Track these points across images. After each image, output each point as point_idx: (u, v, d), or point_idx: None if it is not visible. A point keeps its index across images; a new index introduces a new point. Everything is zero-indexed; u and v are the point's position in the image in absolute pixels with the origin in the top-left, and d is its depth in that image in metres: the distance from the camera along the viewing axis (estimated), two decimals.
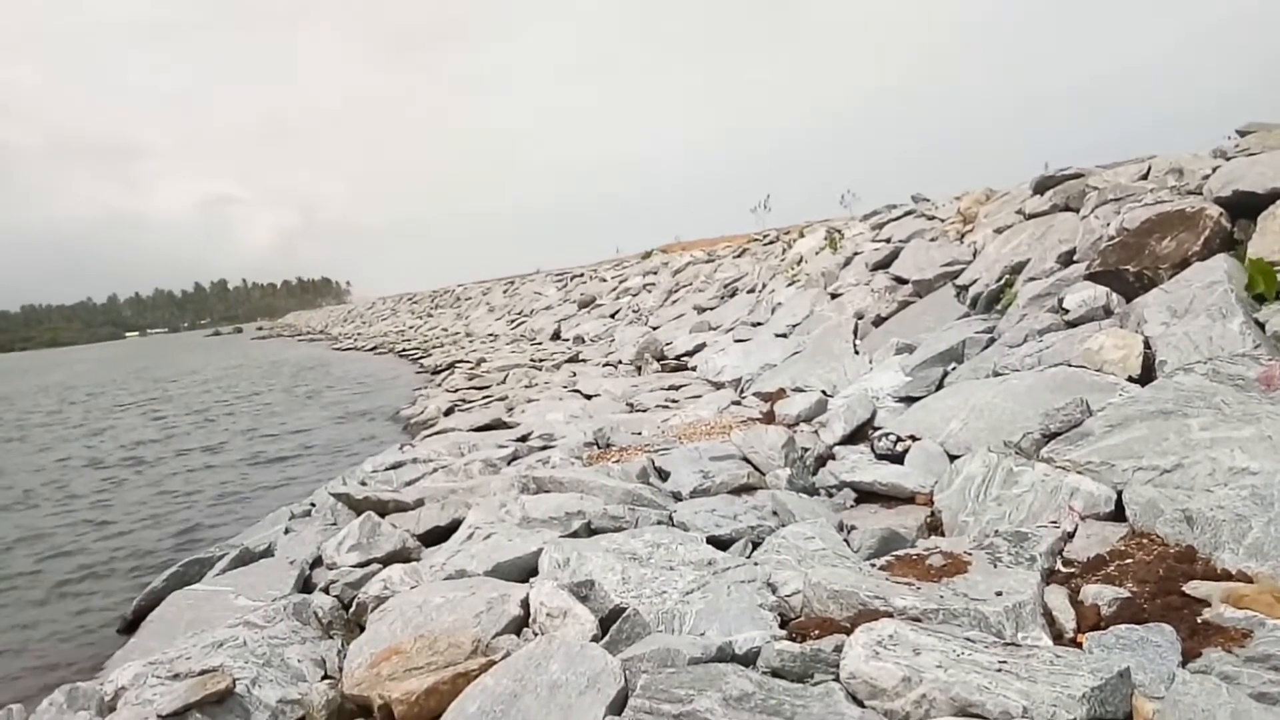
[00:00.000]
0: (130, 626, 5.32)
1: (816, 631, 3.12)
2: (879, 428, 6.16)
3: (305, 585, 4.88)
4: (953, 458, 5.06)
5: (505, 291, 38.15)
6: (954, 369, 6.74)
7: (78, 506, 9.87)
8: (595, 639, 3.24)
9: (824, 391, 7.62)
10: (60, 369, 52.94)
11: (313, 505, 6.99)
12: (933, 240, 10.89)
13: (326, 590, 4.56)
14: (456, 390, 14.54)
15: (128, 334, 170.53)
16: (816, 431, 6.48)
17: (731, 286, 17.25)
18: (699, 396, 9.59)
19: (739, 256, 20.88)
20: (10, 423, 21.36)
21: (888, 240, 12.26)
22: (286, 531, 6.17)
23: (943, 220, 11.69)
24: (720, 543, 4.38)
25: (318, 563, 5.14)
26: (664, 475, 5.76)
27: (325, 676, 3.60)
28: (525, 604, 3.68)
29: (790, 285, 13.82)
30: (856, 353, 8.91)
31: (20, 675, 5.03)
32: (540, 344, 21.37)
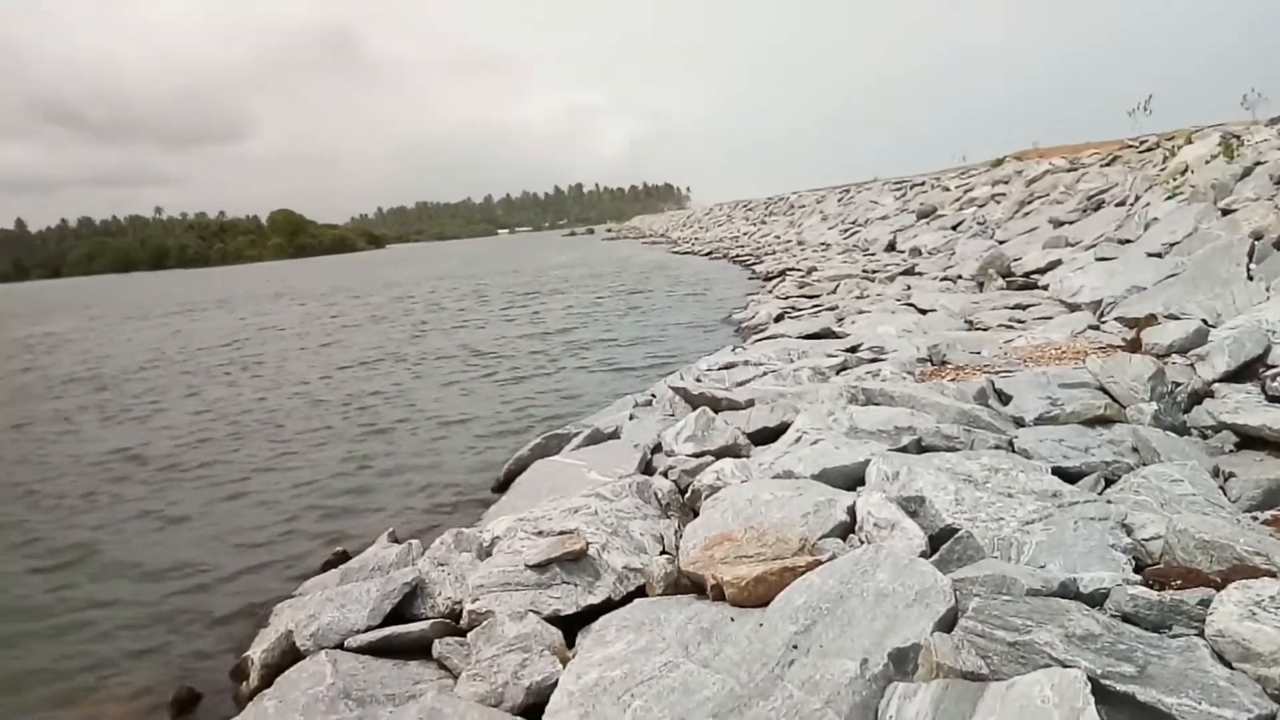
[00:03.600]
0: (502, 486, 6.15)
1: (1178, 581, 2.85)
2: (1274, 365, 5.32)
3: (646, 468, 5.30)
4: None
5: (840, 200, 37.20)
6: None
7: (468, 384, 11.39)
8: (924, 555, 3.22)
9: (1204, 321, 6.68)
10: (452, 259, 60.52)
11: (654, 396, 7.50)
12: None
13: (665, 474, 4.93)
14: (787, 297, 14.61)
15: (499, 231, 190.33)
16: (1192, 365, 5.73)
17: (1096, 199, 15.43)
18: (1049, 318, 8.83)
19: (1107, 165, 18.56)
20: (422, 306, 24.93)
21: None
22: (631, 418, 6.70)
23: None
24: (1067, 475, 4.08)
25: (658, 449, 5.54)
26: (1005, 399, 5.44)
27: (663, 552, 3.93)
28: (851, 511, 3.72)
29: (1170, 198, 12.09)
30: (1250, 278, 7.66)
31: (419, 518, 6.02)
32: (873, 254, 20.73)
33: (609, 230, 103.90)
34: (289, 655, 3.67)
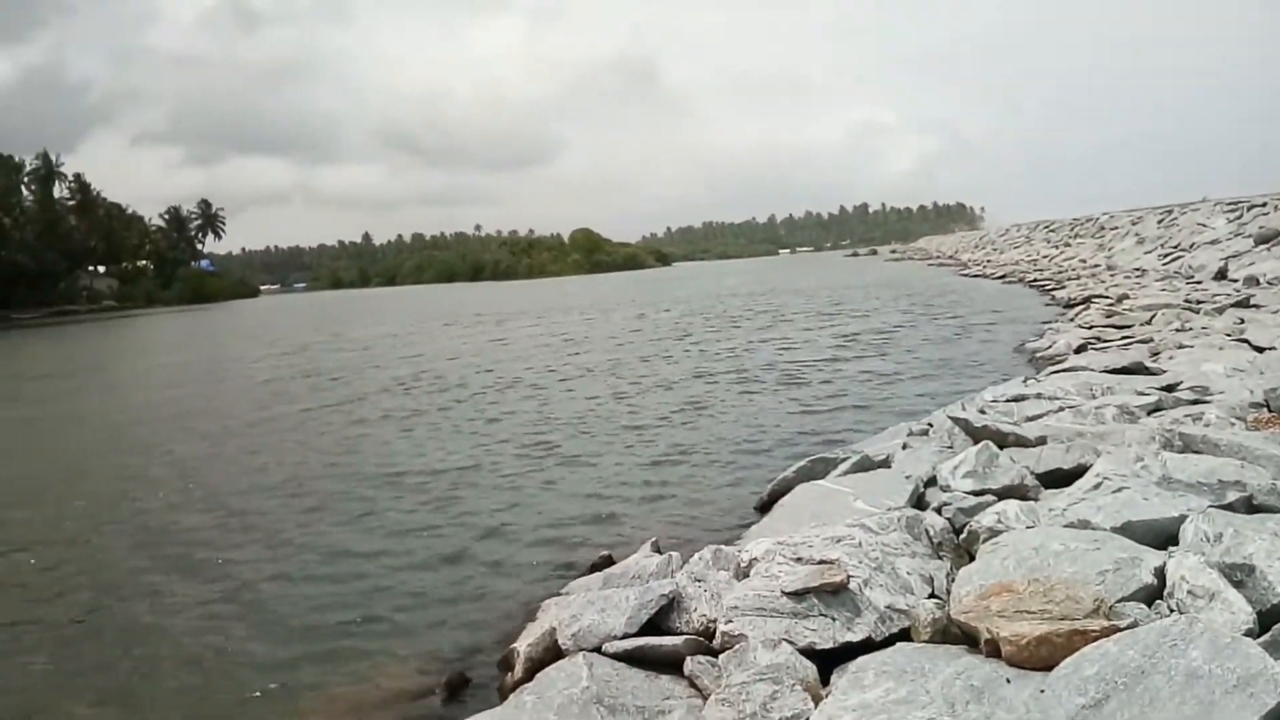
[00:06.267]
0: (764, 507, 6.06)
1: None
2: None
3: (918, 502, 4.98)
4: None
5: (1160, 222, 33.33)
6: None
7: (739, 399, 11.46)
8: (1249, 634, 2.73)
9: None
10: (732, 276, 61.69)
11: (930, 425, 7.08)
12: None
13: (939, 511, 4.60)
14: (1091, 327, 13.34)
15: (780, 251, 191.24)
16: None
17: None
18: None
19: None
20: (702, 321, 25.62)
21: None
22: (904, 447, 6.36)
23: None
24: None
25: (931, 482, 5.19)
26: None
27: (932, 595, 3.64)
28: (1160, 574, 3.24)
29: None
30: None
31: (681, 530, 6.07)
32: (1199, 283, 18.33)
33: (893, 251, 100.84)
34: (551, 652, 3.82)
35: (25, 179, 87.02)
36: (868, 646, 3.30)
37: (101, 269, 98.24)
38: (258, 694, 4.18)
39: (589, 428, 9.98)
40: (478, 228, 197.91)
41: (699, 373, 13.84)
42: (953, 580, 3.69)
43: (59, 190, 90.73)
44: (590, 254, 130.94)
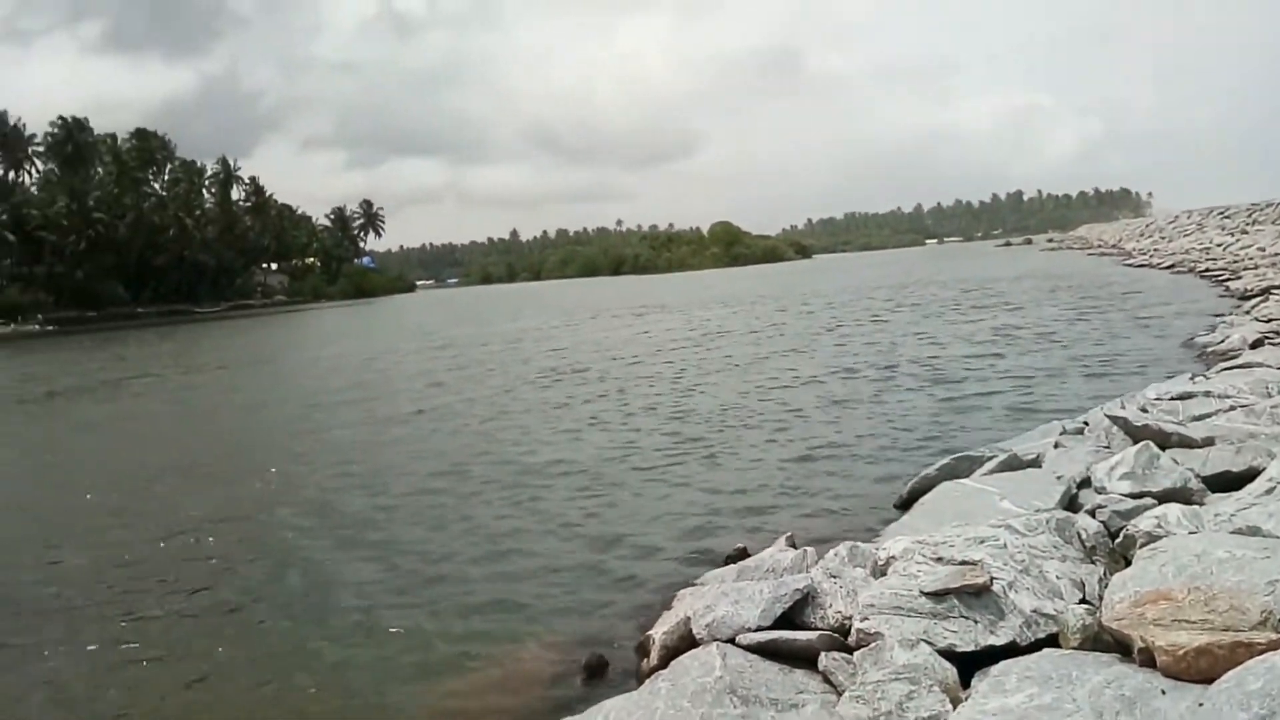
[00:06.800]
0: (904, 505, 5.93)
1: None
2: None
3: (1070, 504, 4.76)
4: None
5: None
6: None
7: (884, 394, 11.23)
8: None
9: None
10: (874, 269, 60.21)
11: (1085, 424, 6.73)
12: None
13: (1092, 514, 4.38)
14: (1270, 320, 12.27)
15: (927, 241, 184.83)
16: None
17: None
18: None
19: None
20: (844, 314, 25.21)
21: None
22: (1056, 445, 6.08)
23: None
24: None
25: (1085, 484, 4.95)
26: None
27: (1082, 600, 3.49)
28: None
29: None
30: None
31: (817, 524, 6.04)
32: None
33: (1049, 240, 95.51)
34: (685, 640, 3.89)
35: (207, 183, 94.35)
36: (1011, 651, 3.20)
37: (273, 266, 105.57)
38: (407, 666, 4.45)
39: (729, 421, 10.02)
40: (619, 223, 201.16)
41: (842, 367, 13.61)
42: (1105, 586, 3.53)
43: (236, 193, 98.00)
44: (729, 247, 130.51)
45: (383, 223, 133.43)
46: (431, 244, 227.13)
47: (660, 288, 59.49)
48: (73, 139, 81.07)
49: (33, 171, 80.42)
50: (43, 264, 71.08)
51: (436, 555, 6.16)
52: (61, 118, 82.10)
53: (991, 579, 3.47)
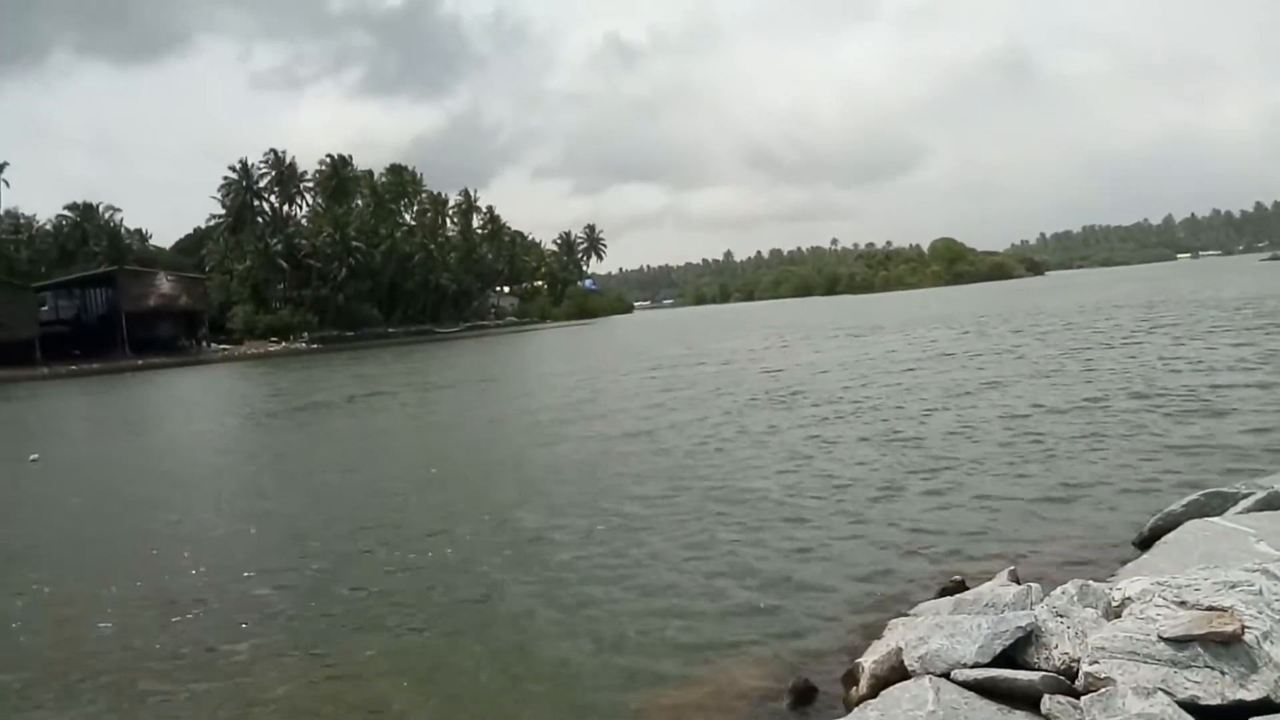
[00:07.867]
0: (1145, 543, 5.48)
1: None
2: None
3: None
4: None
5: None
6: None
7: (1125, 425, 10.37)
8: None
9: None
10: (1118, 285, 55.53)
11: None
12: None
13: None
14: None
15: (1178, 256, 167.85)
16: None
17: None
18: None
19: None
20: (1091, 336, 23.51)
21: None
22: None
23: None
24: None
25: None
26: None
27: None
28: None
29: None
30: None
31: (1043, 560, 5.70)
32: None
33: None
34: (896, 671, 3.82)
35: (450, 212, 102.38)
36: (1266, 708, 2.92)
37: (506, 289, 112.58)
38: (618, 678, 4.64)
39: (958, 447, 9.65)
40: (834, 241, 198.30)
41: (1088, 395, 12.57)
42: None
43: (475, 221, 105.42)
44: (951, 264, 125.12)
45: (604, 246, 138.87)
46: (649, 266, 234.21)
47: (877, 307, 57.93)
48: (337, 174, 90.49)
49: (303, 205, 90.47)
50: (309, 288, 79.88)
51: (645, 565, 6.40)
52: (329, 155, 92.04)
53: (1244, 627, 3.17)
